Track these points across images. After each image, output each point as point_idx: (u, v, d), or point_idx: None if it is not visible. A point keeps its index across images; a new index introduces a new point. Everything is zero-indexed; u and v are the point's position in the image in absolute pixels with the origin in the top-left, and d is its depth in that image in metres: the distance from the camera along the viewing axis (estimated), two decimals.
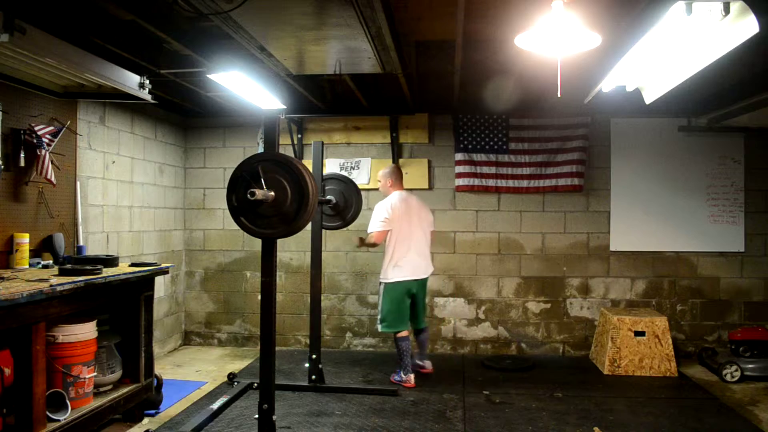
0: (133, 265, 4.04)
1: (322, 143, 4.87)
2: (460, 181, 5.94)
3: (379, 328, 4.90)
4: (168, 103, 5.42)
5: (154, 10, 3.08)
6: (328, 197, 4.81)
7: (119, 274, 3.57)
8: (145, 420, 3.98)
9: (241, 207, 2.90)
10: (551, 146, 5.84)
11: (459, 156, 5.92)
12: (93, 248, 4.62)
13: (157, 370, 4.28)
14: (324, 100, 5.34)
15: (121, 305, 3.88)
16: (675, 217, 5.81)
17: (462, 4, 3.06)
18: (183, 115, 6.11)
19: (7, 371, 2.88)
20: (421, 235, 4.96)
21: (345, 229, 5.19)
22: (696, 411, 4.26)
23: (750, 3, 2.38)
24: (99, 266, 3.52)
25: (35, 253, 3.91)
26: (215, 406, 4.03)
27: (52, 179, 3.90)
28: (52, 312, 3.06)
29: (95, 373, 3.52)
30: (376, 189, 6.01)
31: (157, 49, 3.79)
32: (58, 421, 3.10)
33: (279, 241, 3.19)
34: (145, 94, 3.91)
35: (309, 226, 4.93)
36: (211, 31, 3.51)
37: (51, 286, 2.93)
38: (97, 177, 4.73)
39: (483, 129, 5.89)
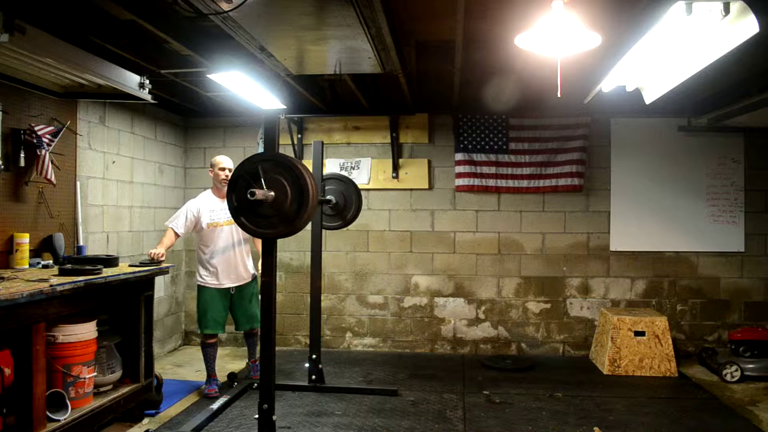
0: (133, 265, 4.04)
1: (322, 143, 4.87)
2: (460, 181, 5.94)
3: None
4: (168, 103, 5.42)
5: (154, 9, 3.08)
6: (328, 197, 4.81)
7: (119, 274, 3.57)
8: (145, 420, 3.98)
9: (241, 207, 2.90)
10: (551, 146, 5.83)
11: (459, 156, 5.92)
12: (93, 248, 4.62)
13: (157, 370, 4.28)
14: (324, 100, 5.34)
15: (121, 305, 3.88)
16: (675, 217, 5.80)
17: (462, 4, 3.06)
18: (183, 115, 6.11)
19: (7, 371, 2.88)
20: None
21: (345, 229, 5.18)
22: (696, 411, 4.26)
23: (750, 3, 2.38)
24: (99, 266, 3.53)
25: (35, 253, 3.92)
26: (215, 406, 4.04)
27: (52, 179, 3.90)
28: (52, 312, 3.06)
29: (95, 373, 3.52)
30: (376, 189, 6.05)
31: (157, 49, 3.80)
32: (58, 421, 3.10)
33: (279, 241, 3.19)
34: (145, 94, 3.91)
35: (309, 226, 4.95)
36: (211, 31, 3.51)
37: (51, 286, 2.93)
38: (97, 177, 4.73)
39: (483, 129, 5.88)
